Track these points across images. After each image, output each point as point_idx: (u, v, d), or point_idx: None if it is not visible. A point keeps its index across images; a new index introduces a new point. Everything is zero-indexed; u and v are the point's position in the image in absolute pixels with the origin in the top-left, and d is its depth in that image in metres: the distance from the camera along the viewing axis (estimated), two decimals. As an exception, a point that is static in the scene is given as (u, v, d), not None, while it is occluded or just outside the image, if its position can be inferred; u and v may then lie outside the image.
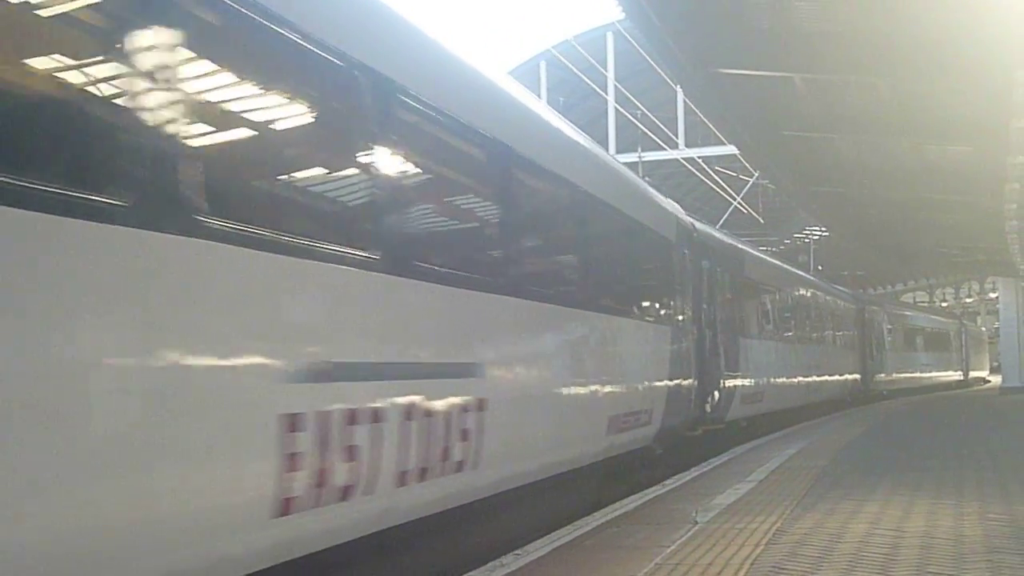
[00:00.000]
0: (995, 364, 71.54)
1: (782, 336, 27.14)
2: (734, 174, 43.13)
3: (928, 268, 65.00)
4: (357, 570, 7.48)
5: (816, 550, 8.45)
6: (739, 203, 43.82)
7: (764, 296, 25.78)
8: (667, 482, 14.19)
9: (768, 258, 29.60)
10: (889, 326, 45.90)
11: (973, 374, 70.19)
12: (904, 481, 13.19)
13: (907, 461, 16.01)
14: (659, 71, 30.43)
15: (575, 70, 37.65)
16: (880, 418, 28.89)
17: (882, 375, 43.46)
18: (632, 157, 37.62)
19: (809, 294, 31.81)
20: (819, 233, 57.25)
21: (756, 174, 39.66)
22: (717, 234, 22.40)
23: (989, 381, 71.97)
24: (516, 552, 9.06)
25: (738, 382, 21.09)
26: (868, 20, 17.92)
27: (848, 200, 34.24)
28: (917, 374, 51.63)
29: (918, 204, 32.98)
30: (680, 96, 35.79)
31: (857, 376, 38.73)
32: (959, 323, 66.38)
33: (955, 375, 62.73)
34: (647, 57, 30.14)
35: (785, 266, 31.55)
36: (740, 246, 24.68)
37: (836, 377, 34.55)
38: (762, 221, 48.01)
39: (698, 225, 19.59)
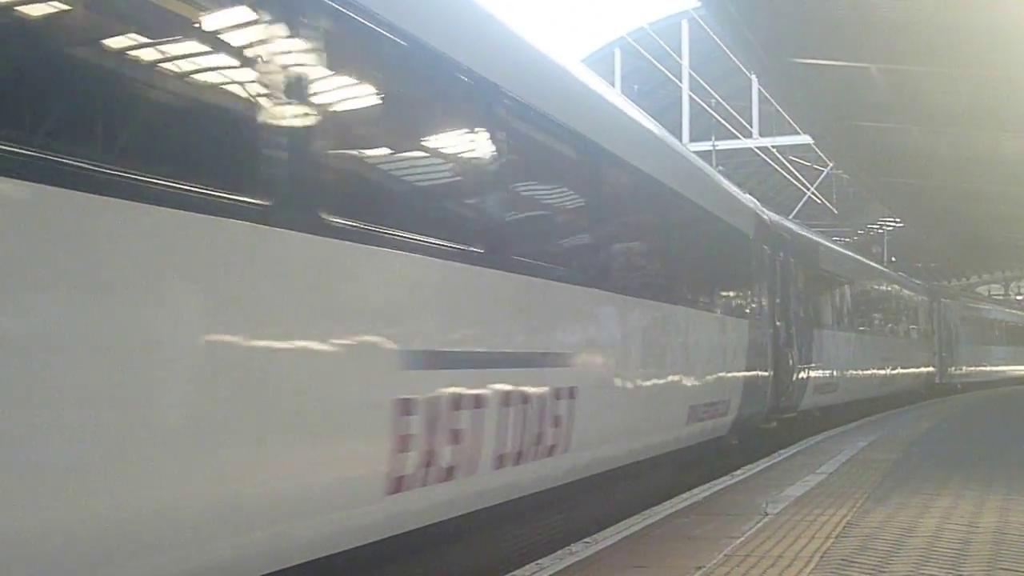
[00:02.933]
0: None
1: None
2: (808, 164, 42.86)
3: (1003, 261, 64.19)
4: (432, 551, 7.57)
5: (887, 544, 8.44)
6: (813, 192, 43.53)
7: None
8: (736, 473, 14.15)
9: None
10: (813, 288, 23.30)
11: (968, 369, 48.38)
12: (976, 476, 13.10)
13: (979, 456, 15.88)
14: (734, 59, 30.32)
15: (650, 58, 37.56)
16: (950, 413, 28.55)
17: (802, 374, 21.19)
18: (706, 145, 37.47)
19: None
20: (893, 224, 56.74)
21: (830, 164, 39.39)
22: None
23: None
24: (586, 540, 9.13)
25: None
26: (946, 11, 17.79)
27: (922, 191, 33.93)
28: (852, 371, 27.14)
29: (994, 196, 32.61)
30: (755, 85, 35.57)
31: (767, 374, 18.17)
32: (930, 298, 42.67)
33: (923, 370, 39.99)
34: (722, 45, 30.00)
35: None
36: None
37: (752, 374, 16.79)
38: (835, 211, 47.67)
39: None
